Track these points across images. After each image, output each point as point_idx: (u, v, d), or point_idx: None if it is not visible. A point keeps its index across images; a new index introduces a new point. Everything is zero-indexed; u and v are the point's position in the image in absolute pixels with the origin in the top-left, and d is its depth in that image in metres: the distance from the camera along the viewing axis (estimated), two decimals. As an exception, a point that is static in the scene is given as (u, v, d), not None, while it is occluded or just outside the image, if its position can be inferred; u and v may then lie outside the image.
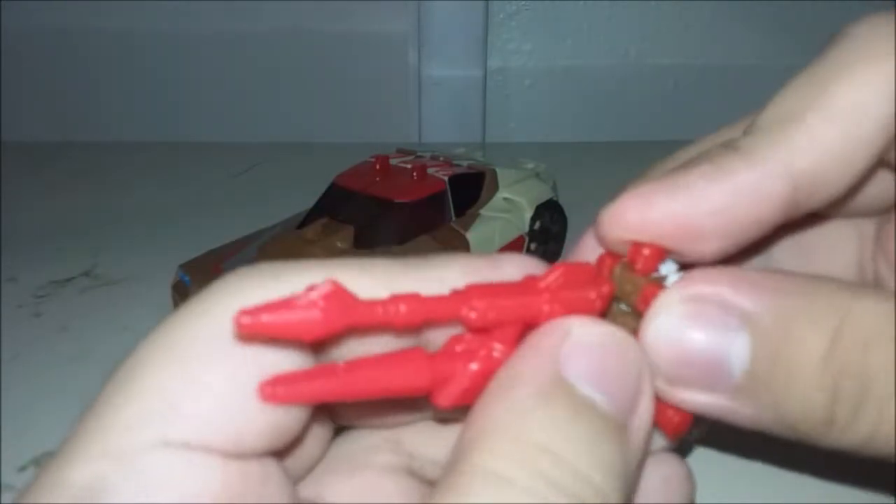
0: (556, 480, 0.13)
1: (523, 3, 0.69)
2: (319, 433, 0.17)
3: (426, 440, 0.18)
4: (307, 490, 0.17)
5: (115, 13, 0.67)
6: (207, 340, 0.14)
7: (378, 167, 0.37)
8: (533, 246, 0.38)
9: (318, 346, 0.15)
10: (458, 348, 0.15)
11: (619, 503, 0.14)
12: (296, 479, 0.17)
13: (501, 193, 0.39)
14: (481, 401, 0.14)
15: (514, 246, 0.37)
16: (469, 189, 0.37)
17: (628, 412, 0.15)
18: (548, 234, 0.39)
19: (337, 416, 0.18)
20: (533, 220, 0.38)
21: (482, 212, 0.38)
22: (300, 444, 0.17)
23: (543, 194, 0.39)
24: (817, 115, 0.16)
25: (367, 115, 0.70)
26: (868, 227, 0.21)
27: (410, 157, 0.40)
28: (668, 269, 0.17)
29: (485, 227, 0.36)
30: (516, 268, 0.17)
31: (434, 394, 0.15)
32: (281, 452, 0.16)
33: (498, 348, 0.15)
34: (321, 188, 0.38)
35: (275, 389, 0.13)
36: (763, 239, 0.18)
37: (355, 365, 0.14)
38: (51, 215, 0.49)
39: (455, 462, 0.13)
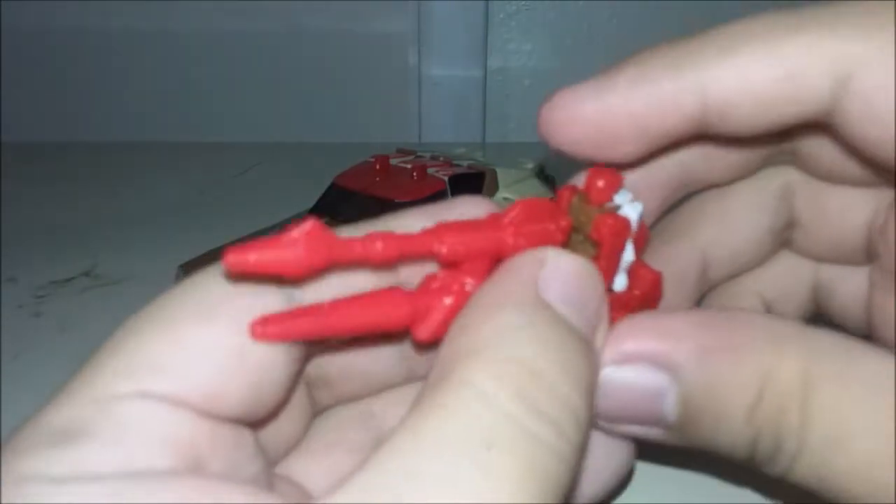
0: (537, 402, 0.14)
1: (523, 3, 0.69)
2: (296, 414, 0.18)
3: (397, 412, 0.19)
4: (281, 469, 0.18)
5: (115, 13, 0.67)
6: (193, 306, 0.15)
7: (378, 167, 0.37)
8: None
9: (299, 282, 0.16)
10: (434, 285, 0.16)
11: (586, 422, 0.15)
12: (274, 460, 0.17)
13: (501, 193, 0.39)
14: (463, 320, 0.15)
15: None
16: (469, 189, 0.37)
17: (593, 333, 0.16)
18: None
19: (315, 386, 0.18)
20: None
21: None
22: (276, 419, 0.17)
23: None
24: (750, 55, 0.17)
25: (367, 115, 0.70)
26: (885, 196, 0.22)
27: (410, 157, 0.40)
28: (621, 198, 0.18)
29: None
30: (473, 207, 0.18)
31: (413, 328, 0.15)
32: (257, 425, 0.16)
33: (469, 282, 0.16)
34: (321, 188, 0.38)
35: (265, 328, 0.14)
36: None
37: (339, 303, 0.14)
38: (51, 215, 0.49)
39: (440, 376, 0.14)
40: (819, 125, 0.18)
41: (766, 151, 0.22)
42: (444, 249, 0.16)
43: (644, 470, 0.24)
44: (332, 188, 0.37)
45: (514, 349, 0.14)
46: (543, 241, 0.17)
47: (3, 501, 0.12)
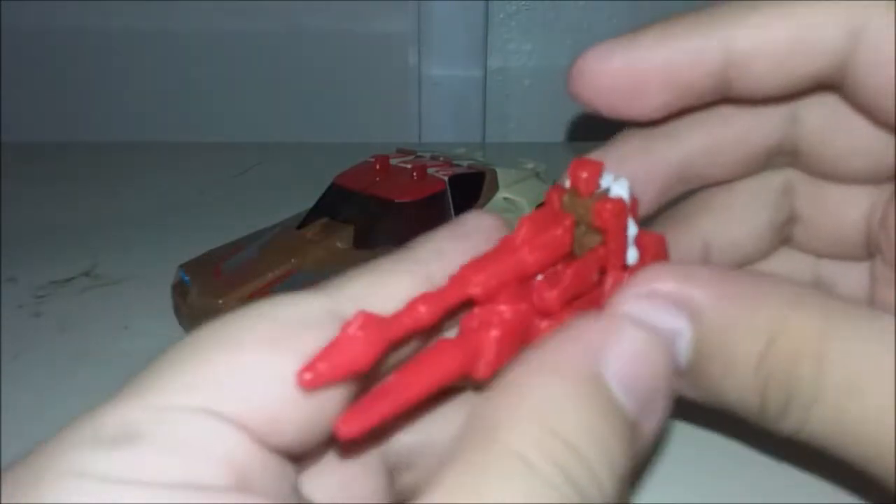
0: (573, 477, 0.13)
1: (523, 3, 0.69)
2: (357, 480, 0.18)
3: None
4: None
5: (115, 13, 0.67)
6: (261, 331, 0.15)
7: (378, 167, 0.37)
8: None
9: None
10: (473, 325, 0.17)
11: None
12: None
13: (501, 193, 0.39)
14: (512, 378, 0.15)
15: None
16: (469, 189, 0.37)
17: (647, 416, 0.16)
18: None
19: (398, 470, 0.18)
20: None
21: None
22: (319, 457, 0.17)
23: (540, 196, 0.39)
24: (769, 13, 0.19)
25: (367, 115, 0.70)
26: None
27: (410, 157, 0.40)
28: (606, 181, 0.19)
29: None
30: (476, 229, 0.18)
31: (472, 371, 0.16)
32: (300, 460, 0.16)
33: (505, 310, 0.17)
34: (321, 188, 0.38)
35: (348, 426, 0.14)
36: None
37: (399, 376, 0.15)
38: (51, 215, 0.49)
39: (479, 435, 0.14)
40: (832, 84, 0.19)
41: (769, 144, 0.22)
42: (478, 290, 0.16)
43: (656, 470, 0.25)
44: (332, 188, 0.37)
45: (560, 423, 0.14)
46: (556, 248, 0.17)
47: (43, 498, 0.12)
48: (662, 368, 0.16)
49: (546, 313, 0.17)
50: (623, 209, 0.18)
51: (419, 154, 0.40)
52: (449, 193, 0.36)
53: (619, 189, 0.19)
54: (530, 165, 0.41)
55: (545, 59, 0.71)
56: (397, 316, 0.15)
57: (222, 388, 0.14)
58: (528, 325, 0.17)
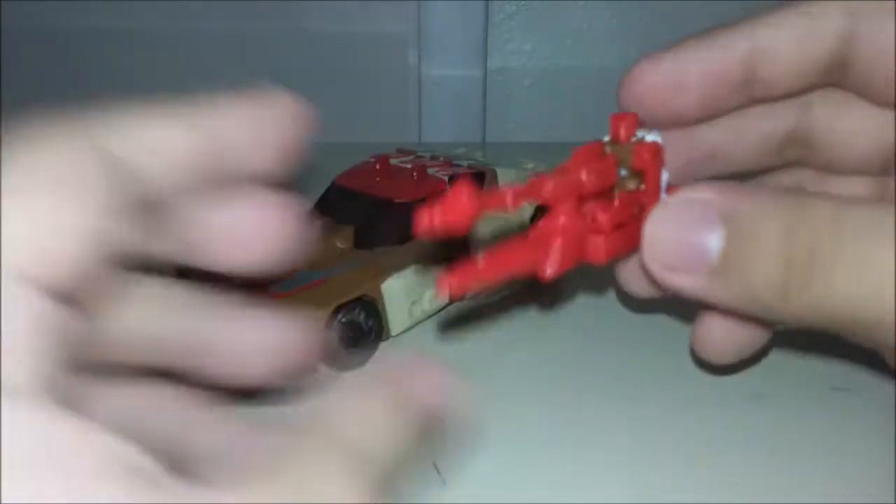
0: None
1: (523, 3, 0.69)
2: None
3: None
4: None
5: (116, 13, 0.67)
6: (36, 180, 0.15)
7: (378, 167, 0.37)
8: None
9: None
10: (540, 232, 0.21)
11: None
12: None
13: None
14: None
15: None
16: None
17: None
18: None
19: None
20: (533, 218, 0.38)
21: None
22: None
23: None
24: (785, 17, 0.23)
25: (367, 115, 0.70)
26: None
27: (410, 157, 0.40)
28: (641, 133, 0.22)
29: (487, 225, 0.36)
30: (269, 103, 0.20)
31: (539, 270, 0.20)
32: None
33: (565, 221, 0.20)
34: (321, 188, 0.38)
35: (453, 284, 0.18)
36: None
37: (486, 261, 0.19)
38: (51, 215, 0.49)
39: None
40: (838, 69, 0.23)
41: (786, 128, 0.26)
42: (549, 194, 0.20)
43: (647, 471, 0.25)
44: (332, 188, 0.37)
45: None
46: (606, 175, 0.21)
47: None
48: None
49: (598, 232, 0.21)
50: (659, 151, 0.22)
51: (419, 154, 0.40)
52: None
53: (654, 137, 0.22)
54: (530, 165, 0.41)
55: (545, 59, 0.71)
56: (488, 193, 0.19)
57: (21, 246, 0.14)
58: (583, 239, 0.21)
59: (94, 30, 0.67)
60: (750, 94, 0.24)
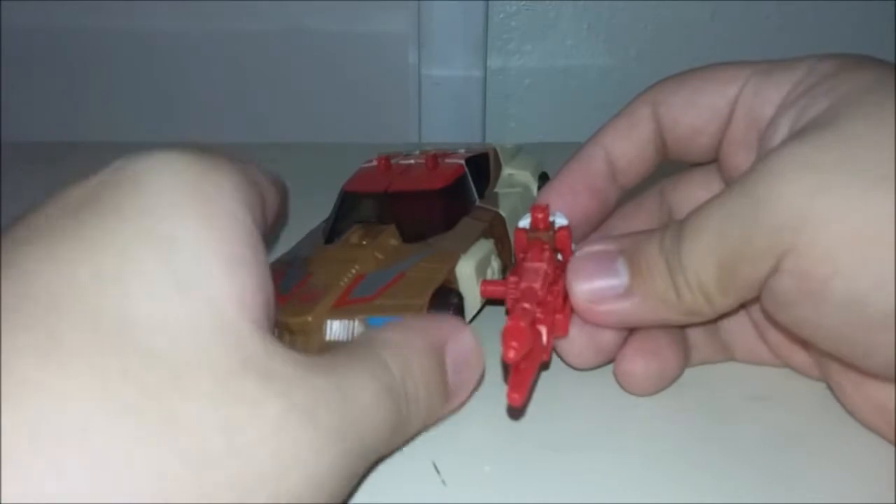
0: (407, 391, 0.22)
1: (523, 3, 0.69)
2: None
3: None
4: None
5: (115, 13, 0.67)
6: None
7: (383, 167, 0.37)
8: None
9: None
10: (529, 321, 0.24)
11: None
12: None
13: (505, 170, 0.39)
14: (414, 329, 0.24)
15: None
16: (480, 170, 0.37)
17: (459, 390, 0.25)
18: None
19: None
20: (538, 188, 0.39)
21: (497, 190, 0.38)
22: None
23: (537, 167, 0.40)
24: (695, 99, 0.28)
25: (367, 115, 0.70)
26: None
27: (411, 154, 0.40)
28: (552, 218, 0.27)
29: (507, 201, 0.36)
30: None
31: (508, 398, 0.23)
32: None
33: (539, 312, 0.25)
34: (321, 188, 0.38)
35: (515, 398, 0.23)
36: None
37: (521, 363, 0.23)
38: (51, 215, 0.49)
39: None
40: (664, 144, 0.29)
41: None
42: (531, 314, 0.25)
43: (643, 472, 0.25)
44: (346, 196, 0.36)
45: (415, 364, 0.22)
46: (557, 263, 0.27)
47: None
48: (475, 365, 0.25)
49: (555, 311, 0.26)
50: (569, 234, 0.28)
51: (409, 153, 0.40)
52: (469, 176, 0.36)
53: (562, 220, 0.28)
54: (510, 146, 0.41)
55: (545, 59, 0.71)
56: (523, 310, 0.24)
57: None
58: (552, 320, 0.26)
59: (94, 30, 0.67)
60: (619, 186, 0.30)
